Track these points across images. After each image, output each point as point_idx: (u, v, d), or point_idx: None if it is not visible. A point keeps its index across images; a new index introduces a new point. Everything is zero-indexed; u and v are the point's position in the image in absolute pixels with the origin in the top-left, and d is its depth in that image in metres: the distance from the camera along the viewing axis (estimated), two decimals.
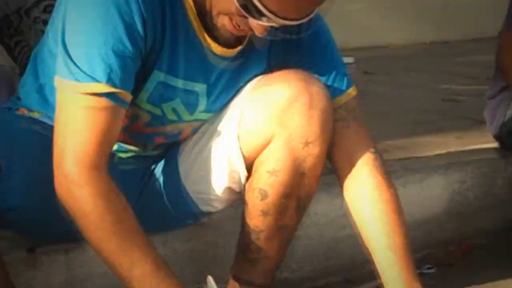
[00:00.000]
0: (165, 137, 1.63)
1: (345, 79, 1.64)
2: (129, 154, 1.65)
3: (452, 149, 2.62)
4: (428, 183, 2.34)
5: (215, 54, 1.51)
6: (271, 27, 1.41)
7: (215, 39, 1.49)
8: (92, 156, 1.38)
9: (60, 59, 1.40)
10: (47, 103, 1.55)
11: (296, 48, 1.60)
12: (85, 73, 1.37)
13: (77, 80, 1.37)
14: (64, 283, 1.72)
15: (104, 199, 1.37)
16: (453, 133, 2.88)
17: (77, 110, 1.38)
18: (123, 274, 1.36)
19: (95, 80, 1.37)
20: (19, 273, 1.67)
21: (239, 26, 1.43)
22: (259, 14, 1.36)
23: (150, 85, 1.49)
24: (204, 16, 1.46)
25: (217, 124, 1.61)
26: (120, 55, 1.38)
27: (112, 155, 1.62)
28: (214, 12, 1.43)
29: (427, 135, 2.84)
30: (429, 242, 2.31)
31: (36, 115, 1.59)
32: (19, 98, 1.65)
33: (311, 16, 1.41)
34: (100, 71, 1.37)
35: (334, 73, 1.62)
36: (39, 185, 1.44)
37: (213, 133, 1.61)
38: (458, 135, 2.84)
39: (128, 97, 1.42)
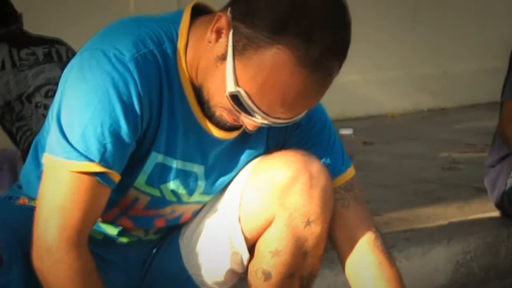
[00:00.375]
0: (166, 221, 1.62)
1: (343, 159, 1.65)
2: (131, 239, 1.64)
3: (454, 220, 2.62)
4: (431, 256, 2.33)
5: (213, 137, 1.52)
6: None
7: (214, 122, 1.50)
8: (74, 233, 1.39)
9: (53, 136, 1.41)
10: None
11: (294, 130, 1.61)
12: (78, 151, 1.38)
13: (69, 158, 1.38)
14: None
15: (80, 276, 1.38)
16: (454, 203, 2.88)
17: (65, 187, 1.39)
18: None
19: (88, 159, 1.38)
20: None
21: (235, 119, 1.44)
22: (251, 112, 1.39)
23: (148, 167, 1.50)
24: (202, 103, 1.48)
25: (218, 206, 1.61)
26: (115, 136, 1.39)
27: (114, 240, 1.62)
28: (211, 103, 1.45)
29: (428, 206, 2.84)
30: None
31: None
32: (20, 186, 1.65)
33: (303, 114, 1.43)
34: (94, 151, 1.38)
35: (332, 153, 1.63)
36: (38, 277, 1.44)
37: (214, 215, 1.62)
38: (459, 205, 2.84)
39: (117, 177, 1.43)
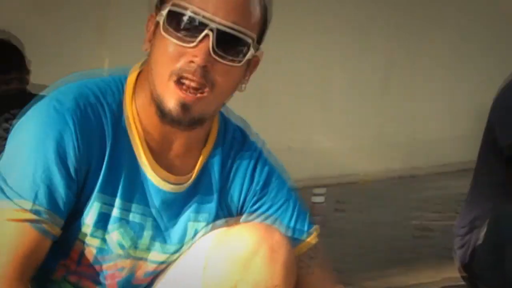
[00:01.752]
0: (117, 282, 1.60)
1: (306, 225, 1.65)
2: None
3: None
4: None
5: (159, 188, 1.52)
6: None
7: (164, 175, 1.51)
8: (11, 279, 1.38)
9: None
10: None
11: (252, 197, 1.61)
12: (10, 199, 1.39)
13: (4, 198, 1.39)
14: None
15: None
16: (426, 270, 2.90)
17: (2, 235, 1.40)
18: None
19: (19, 206, 1.39)
20: None
21: (185, 80, 1.41)
22: (194, 28, 1.38)
23: (91, 218, 1.49)
24: (152, 150, 1.48)
25: (179, 278, 1.60)
26: (48, 185, 1.40)
27: None
28: (161, 87, 1.43)
29: (400, 274, 2.86)
30: None
31: None
32: None
33: (241, 29, 1.41)
34: (26, 197, 1.39)
35: (294, 221, 1.64)
36: None
37: (176, 286, 1.61)
38: (431, 274, 2.85)
39: (55, 230, 1.43)
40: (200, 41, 1.39)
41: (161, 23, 1.42)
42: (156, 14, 1.44)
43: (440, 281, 2.74)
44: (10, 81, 2.79)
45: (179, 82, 1.41)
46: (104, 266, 1.56)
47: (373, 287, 2.62)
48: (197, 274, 1.57)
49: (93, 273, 1.56)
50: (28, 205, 1.39)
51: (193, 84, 1.41)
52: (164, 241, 1.59)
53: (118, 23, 4.75)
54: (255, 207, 1.62)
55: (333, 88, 5.58)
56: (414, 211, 4.31)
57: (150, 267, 1.61)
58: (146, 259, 1.59)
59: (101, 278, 1.58)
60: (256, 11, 1.45)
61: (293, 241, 1.61)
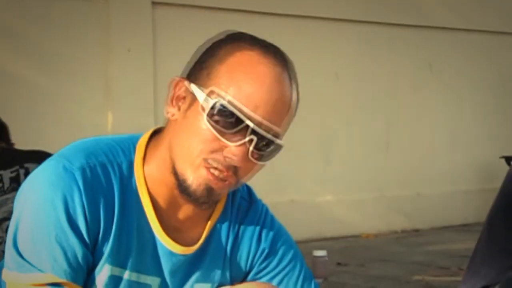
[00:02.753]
0: None
1: (312, 286, 1.65)
2: None
3: None
4: None
5: (170, 251, 1.52)
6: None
7: (173, 236, 1.51)
8: None
9: (8, 250, 1.42)
10: None
11: (258, 256, 1.62)
12: (30, 264, 1.38)
13: (22, 271, 1.39)
14: None
15: None
16: None
17: None
18: None
19: (39, 270, 1.38)
20: None
21: (215, 170, 1.40)
22: (236, 127, 1.37)
23: (102, 279, 1.50)
24: (161, 217, 1.48)
25: None
26: (63, 246, 1.39)
27: None
28: (189, 171, 1.42)
29: None
30: None
31: None
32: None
33: (282, 125, 1.42)
34: (45, 262, 1.38)
35: (300, 283, 1.64)
36: None
37: None
38: None
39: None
40: (243, 143, 1.39)
41: (204, 107, 1.38)
42: (191, 82, 1.41)
43: None
44: None
45: (210, 168, 1.42)
46: None
47: None
48: None
49: None
50: (47, 267, 1.39)
51: (221, 176, 1.42)
52: None
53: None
54: (261, 267, 1.63)
55: (336, 143, 5.62)
56: (416, 266, 4.29)
57: None
58: None
59: None
60: (292, 116, 1.47)
61: None
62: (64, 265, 1.39)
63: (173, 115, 1.43)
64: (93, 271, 1.47)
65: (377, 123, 5.85)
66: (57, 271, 1.39)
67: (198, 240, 1.55)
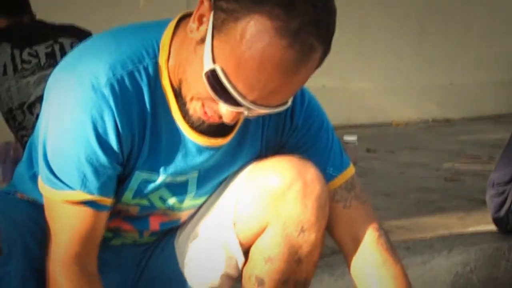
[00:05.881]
0: (160, 224, 1.62)
1: (342, 159, 1.63)
2: (125, 241, 1.64)
3: (455, 231, 2.61)
4: (431, 266, 2.32)
5: (201, 146, 1.50)
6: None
7: (204, 131, 1.48)
8: (71, 259, 1.42)
9: (40, 162, 1.43)
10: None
11: (291, 132, 1.60)
12: (61, 181, 1.40)
13: (54, 188, 1.41)
14: None
15: None
16: (455, 213, 2.88)
17: (58, 215, 1.43)
18: None
19: (71, 188, 1.40)
20: None
21: (209, 114, 1.39)
22: (227, 94, 1.32)
23: (134, 185, 1.49)
24: (183, 106, 1.45)
25: (213, 211, 1.60)
26: (93, 164, 1.39)
27: (108, 241, 1.62)
28: (188, 98, 1.41)
29: (429, 216, 2.84)
30: None
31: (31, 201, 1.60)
32: (13, 184, 1.66)
33: (288, 105, 1.38)
34: (75, 180, 1.39)
35: (330, 154, 1.62)
36: (37, 267, 1.44)
37: (209, 219, 1.61)
38: (460, 216, 2.83)
39: (108, 201, 1.44)
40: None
41: (205, 66, 1.32)
42: (213, 10, 1.31)
43: (469, 224, 2.71)
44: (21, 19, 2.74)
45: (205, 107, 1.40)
46: (148, 213, 1.57)
47: (400, 227, 2.61)
48: (230, 210, 1.57)
49: (135, 220, 1.58)
50: (78, 185, 1.40)
51: (215, 120, 1.41)
52: (210, 192, 1.59)
53: None
54: (294, 142, 1.61)
55: (369, 29, 5.51)
56: (446, 154, 4.28)
57: (194, 210, 1.61)
58: (192, 207, 1.59)
59: (143, 223, 1.59)
60: (305, 82, 1.37)
61: (331, 173, 1.60)
62: (95, 183, 1.40)
63: (191, 31, 1.35)
64: (125, 179, 1.46)
65: (412, 8, 5.71)
66: (89, 189, 1.39)
67: (231, 130, 1.53)
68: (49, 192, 1.42)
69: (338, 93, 5.20)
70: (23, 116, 2.59)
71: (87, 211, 1.42)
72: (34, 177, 1.54)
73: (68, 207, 1.41)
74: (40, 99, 2.49)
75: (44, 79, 2.54)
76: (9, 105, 2.61)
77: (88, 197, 1.41)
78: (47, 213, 1.45)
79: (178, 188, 1.54)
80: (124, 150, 1.42)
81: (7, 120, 2.66)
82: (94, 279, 1.45)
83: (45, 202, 1.45)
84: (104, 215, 1.45)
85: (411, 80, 5.68)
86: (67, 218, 1.42)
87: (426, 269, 2.31)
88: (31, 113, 2.59)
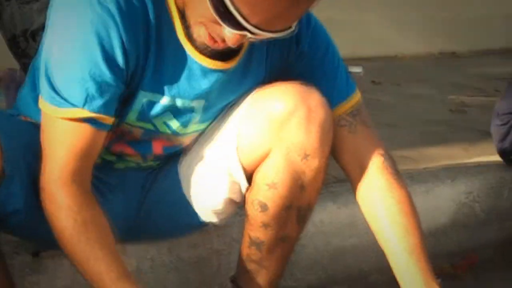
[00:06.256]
0: (163, 148, 1.62)
1: (348, 84, 1.62)
2: (129, 165, 1.64)
3: (459, 161, 2.61)
4: (434, 194, 2.33)
5: (206, 68, 1.49)
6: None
7: (209, 54, 1.47)
8: (68, 176, 1.41)
9: (42, 79, 1.41)
10: None
11: (297, 56, 1.59)
12: (63, 98, 1.39)
13: (54, 104, 1.40)
14: (69, 287, 1.72)
15: (72, 214, 1.40)
16: (460, 144, 2.88)
17: (57, 133, 1.41)
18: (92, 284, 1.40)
19: (72, 105, 1.38)
20: (23, 277, 1.67)
21: (214, 38, 1.39)
22: (231, 17, 1.31)
23: (138, 105, 1.49)
24: (187, 29, 1.44)
25: (216, 136, 1.60)
26: (97, 81, 1.38)
27: (112, 164, 1.62)
28: (192, 21, 1.41)
29: (434, 146, 2.84)
30: (434, 254, 2.30)
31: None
32: (17, 108, 1.65)
33: (293, 28, 1.37)
34: (77, 96, 1.38)
35: (336, 79, 1.61)
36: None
37: (213, 144, 1.61)
38: (465, 147, 2.83)
39: (109, 120, 1.43)
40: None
41: None
42: None
43: (474, 155, 2.71)
44: None
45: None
46: (152, 137, 1.57)
47: (405, 157, 2.61)
48: (233, 135, 1.57)
49: (137, 144, 1.57)
50: (80, 102, 1.38)
51: (219, 44, 1.40)
52: (215, 117, 1.58)
53: None
54: (298, 64, 1.60)
55: None
56: (452, 87, 4.26)
57: (197, 135, 1.61)
58: (195, 132, 1.59)
59: (146, 147, 1.58)
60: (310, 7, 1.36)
61: (336, 99, 1.59)
62: (98, 100, 1.38)
63: None
64: (129, 100, 1.46)
65: None
66: (90, 106, 1.38)
67: (235, 55, 1.52)
68: (49, 109, 1.41)
69: (343, 25, 5.14)
70: (26, 44, 2.57)
71: (87, 128, 1.41)
72: (37, 99, 1.53)
73: (68, 124, 1.40)
74: (43, 26, 2.47)
75: (46, 6, 2.51)
76: (12, 32, 2.58)
77: (89, 114, 1.40)
78: (44, 131, 1.43)
79: (183, 114, 1.53)
80: (129, 68, 1.41)
81: (10, 48, 2.64)
82: (92, 196, 1.44)
83: (44, 120, 1.43)
84: (103, 134, 1.44)
85: (418, 12, 5.62)
86: (66, 135, 1.41)
87: (429, 197, 2.32)
88: (34, 40, 2.57)
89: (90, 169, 1.45)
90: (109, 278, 1.37)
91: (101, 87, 1.39)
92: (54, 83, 1.39)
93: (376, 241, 1.60)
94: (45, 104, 1.42)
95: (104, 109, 1.41)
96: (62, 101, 1.39)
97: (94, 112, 1.40)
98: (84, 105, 1.39)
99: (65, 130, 1.41)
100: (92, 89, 1.38)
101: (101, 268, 1.37)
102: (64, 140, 1.41)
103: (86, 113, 1.40)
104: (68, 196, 1.41)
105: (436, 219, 2.33)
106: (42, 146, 1.44)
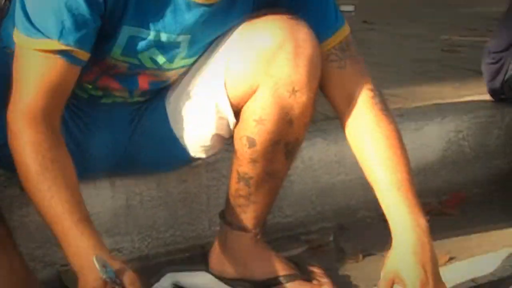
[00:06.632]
0: (149, 83, 1.60)
1: (337, 18, 1.60)
2: (115, 100, 1.63)
3: (449, 100, 2.61)
4: (424, 132, 2.33)
5: (193, 3, 1.46)
6: None
7: None
8: (38, 113, 1.38)
9: (18, 10, 1.38)
10: None
11: None
12: (37, 29, 1.36)
13: (28, 35, 1.37)
14: None
15: (41, 151, 1.36)
16: (451, 83, 2.87)
17: (29, 65, 1.38)
18: (49, 226, 1.37)
19: (46, 37, 1.36)
20: (12, 210, 1.67)
21: None
22: None
23: (122, 40, 1.46)
24: None
25: (204, 71, 1.59)
26: (74, 13, 1.35)
27: (99, 99, 1.61)
28: None
29: (424, 85, 2.83)
30: (423, 191, 2.31)
31: None
32: (1, 39, 1.63)
33: None
34: (52, 28, 1.36)
35: (324, 13, 1.58)
36: None
37: (200, 80, 1.59)
38: (456, 86, 2.83)
39: (84, 55, 1.41)
40: None
41: None
42: None
43: (464, 93, 2.71)
44: None
45: None
46: (137, 74, 1.55)
47: (395, 95, 2.60)
48: (220, 70, 1.55)
49: (123, 78, 1.55)
50: (54, 34, 1.35)
51: None
52: (201, 52, 1.56)
53: None
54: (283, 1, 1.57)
55: None
56: (444, 26, 4.23)
57: (184, 70, 1.59)
58: (182, 67, 1.57)
59: (132, 82, 1.57)
60: None
61: (325, 33, 1.57)
62: (73, 34, 1.35)
63: None
64: (113, 33, 1.43)
65: None
66: (66, 39, 1.35)
67: None
68: (23, 40, 1.38)
69: None
70: None
71: (61, 62, 1.38)
72: None
73: (41, 56, 1.37)
74: None
75: None
76: None
77: (63, 47, 1.37)
78: (16, 63, 1.40)
79: (168, 49, 1.51)
80: (108, 1, 1.39)
81: None
82: (60, 137, 1.41)
83: (17, 51, 1.40)
84: (76, 70, 1.42)
85: None
86: (38, 68, 1.38)
87: (418, 135, 2.32)
88: None
89: (60, 109, 1.42)
90: (70, 219, 1.33)
91: (77, 20, 1.36)
92: (30, 13, 1.36)
93: (365, 178, 1.61)
94: (19, 35, 1.39)
95: (79, 43, 1.38)
96: (36, 32, 1.36)
97: (69, 45, 1.37)
98: (59, 37, 1.36)
99: (37, 62, 1.38)
100: (68, 21, 1.36)
101: (64, 209, 1.34)
102: (35, 73, 1.38)
103: (60, 45, 1.37)
104: (32, 133, 1.37)
105: (425, 156, 2.34)
106: (13, 80, 1.40)
